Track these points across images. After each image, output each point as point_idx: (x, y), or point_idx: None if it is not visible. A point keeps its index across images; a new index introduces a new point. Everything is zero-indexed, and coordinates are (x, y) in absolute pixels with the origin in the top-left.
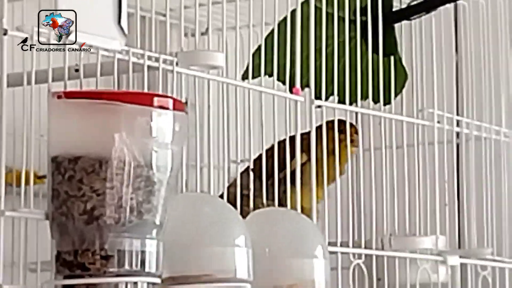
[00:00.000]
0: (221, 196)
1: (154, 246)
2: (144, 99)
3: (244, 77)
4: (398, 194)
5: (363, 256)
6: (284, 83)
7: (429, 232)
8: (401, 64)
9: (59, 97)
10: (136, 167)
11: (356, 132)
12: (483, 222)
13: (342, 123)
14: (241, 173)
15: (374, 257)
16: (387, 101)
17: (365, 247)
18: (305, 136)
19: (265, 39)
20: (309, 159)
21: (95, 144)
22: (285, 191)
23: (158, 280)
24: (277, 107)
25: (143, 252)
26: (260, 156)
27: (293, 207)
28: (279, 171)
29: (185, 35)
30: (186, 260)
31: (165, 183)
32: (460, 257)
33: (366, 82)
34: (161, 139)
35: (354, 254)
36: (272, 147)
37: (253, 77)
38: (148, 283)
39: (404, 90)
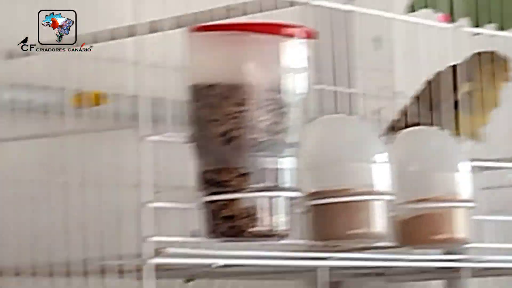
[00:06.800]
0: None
1: (287, 164)
2: (272, 29)
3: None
4: None
5: None
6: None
7: None
8: None
9: (193, 31)
10: (266, 91)
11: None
12: None
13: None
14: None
15: None
16: None
17: None
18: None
19: None
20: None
21: (228, 72)
22: (456, 117)
23: (298, 194)
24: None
25: (277, 169)
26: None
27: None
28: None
29: None
30: (328, 176)
31: (294, 106)
32: None
33: None
34: (288, 65)
35: None
36: (436, 76)
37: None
38: (285, 197)
39: None
